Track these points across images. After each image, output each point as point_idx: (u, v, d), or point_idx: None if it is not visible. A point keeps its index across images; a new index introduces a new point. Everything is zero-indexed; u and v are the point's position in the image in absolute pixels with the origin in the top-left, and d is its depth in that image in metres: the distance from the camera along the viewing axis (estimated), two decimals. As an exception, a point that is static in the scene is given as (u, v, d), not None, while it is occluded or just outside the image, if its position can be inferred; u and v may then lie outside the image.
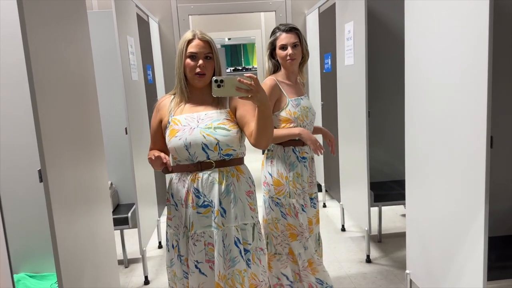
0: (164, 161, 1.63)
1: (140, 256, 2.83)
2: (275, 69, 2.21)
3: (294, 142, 2.15)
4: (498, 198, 2.13)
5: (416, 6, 1.99)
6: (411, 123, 2.13)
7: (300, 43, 2.13)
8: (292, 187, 2.14)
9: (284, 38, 2.12)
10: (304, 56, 2.19)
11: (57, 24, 1.63)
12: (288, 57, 2.11)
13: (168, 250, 1.79)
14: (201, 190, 1.68)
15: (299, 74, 2.24)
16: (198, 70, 1.66)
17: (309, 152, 2.22)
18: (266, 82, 2.10)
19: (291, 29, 2.12)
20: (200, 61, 1.65)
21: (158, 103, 1.79)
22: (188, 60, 1.66)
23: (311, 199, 2.25)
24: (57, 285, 1.48)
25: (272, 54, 2.18)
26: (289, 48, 2.11)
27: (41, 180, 1.39)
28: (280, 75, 2.18)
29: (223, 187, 1.68)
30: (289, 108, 2.11)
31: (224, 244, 1.68)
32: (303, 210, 2.18)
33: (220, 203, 1.67)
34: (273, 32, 2.17)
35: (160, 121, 1.76)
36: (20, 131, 2.15)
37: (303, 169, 2.19)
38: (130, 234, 3.37)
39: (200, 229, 1.69)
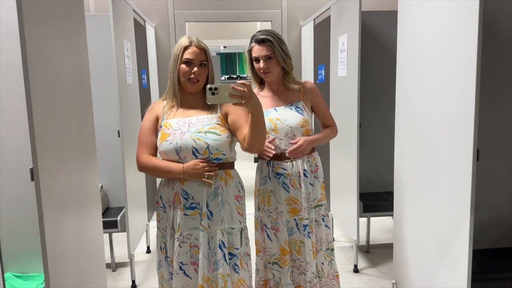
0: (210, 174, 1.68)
1: (128, 260, 2.81)
2: (261, 81, 2.11)
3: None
4: (480, 211, 2.16)
5: (408, 20, 2.04)
6: (401, 136, 2.17)
7: (274, 54, 1.96)
8: (260, 201, 2.10)
9: (256, 50, 1.98)
10: (284, 67, 2.02)
11: (55, 25, 1.65)
12: (261, 70, 1.99)
13: (157, 252, 1.81)
14: (189, 192, 1.69)
15: (285, 83, 2.07)
16: (192, 76, 1.69)
17: (289, 168, 2.02)
18: None
19: (263, 41, 1.95)
20: (195, 68, 1.69)
21: (151, 107, 1.81)
22: (183, 66, 1.69)
23: (304, 226, 2.03)
24: (43, 285, 1.48)
25: (252, 63, 2.05)
26: (261, 61, 1.97)
27: (32, 179, 1.39)
28: (263, 87, 2.11)
29: (211, 189, 1.70)
30: None
31: (209, 247, 1.70)
32: (265, 230, 2.09)
33: (207, 205, 1.69)
34: (250, 41, 2.02)
35: (156, 119, 1.76)
36: (14, 130, 2.15)
37: (277, 186, 2.03)
38: (119, 237, 3.36)
39: (186, 230, 1.70)
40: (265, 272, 2.14)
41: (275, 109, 2.04)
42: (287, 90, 2.08)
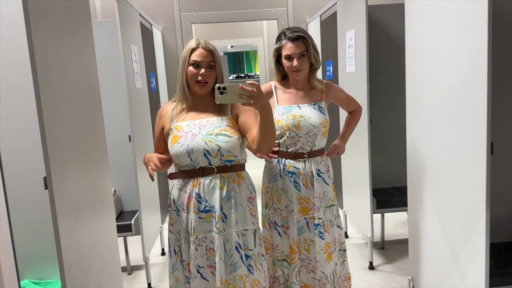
0: (153, 169, 1.68)
1: (143, 263, 2.84)
2: (283, 77, 2.09)
3: (281, 152, 2.03)
4: (498, 205, 2.13)
5: (416, 13, 2.01)
6: (412, 130, 2.14)
7: (307, 51, 1.95)
8: (269, 198, 2.09)
9: (289, 48, 1.94)
10: (313, 65, 2.02)
11: (63, 33, 1.66)
12: (293, 69, 1.96)
13: (171, 256, 1.81)
14: (203, 195, 1.70)
15: (310, 80, 2.06)
16: (199, 78, 1.69)
17: (301, 168, 2.01)
18: (262, 86, 1.98)
19: (298, 38, 1.93)
20: (202, 70, 1.69)
21: (160, 111, 1.83)
22: (191, 68, 1.69)
23: (315, 225, 2.01)
24: (61, 291, 1.50)
25: (278, 60, 2.03)
26: (294, 60, 1.94)
27: (46, 187, 1.41)
28: (285, 82, 2.09)
29: (224, 192, 1.70)
30: (274, 115, 1.97)
31: (225, 249, 1.70)
32: (275, 228, 2.07)
33: (221, 208, 1.69)
34: (279, 38, 1.99)
35: (162, 129, 1.79)
36: (26, 139, 2.18)
37: (288, 185, 2.01)
38: (133, 241, 3.38)
39: (201, 234, 1.70)
40: (273, 270, 2.13)
41: (298, 106, 2.02)
42: (311, 88, 2.07)
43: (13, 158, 2.18)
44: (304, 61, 1.96)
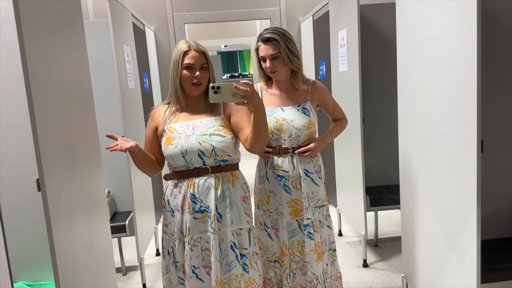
0: (121, 146, 1.68)
1: (138, 264, 2.84)
2: (268, 78, 2.08)
3: (268, 154, 2.01)
4: (488, 202, 2.15)
5: (407, 12, 2.03)
6: (404, 128, 2.16)
7: (280, 53, 1.92)
8: (259, 200, 2.09)
9: (262, 49, 1.95)
10: (291, 67, 1.97)
11: (54, 34, 1.65)
12: (267, 70, 1.97)
13: (164, 257, 1.81)
14: (198, 196, 1.70)
15: (293, 83, 2.03)
16: (195, 80, 1.69)
17: (290, 170, 1.99)
18: None
19: (269, 39, 1.92)
20: (197, 73, 1.69)
21: (153, 112, 1.83)
22: (185, 71, 1.69)
23: (305, 226, 2.00)
24: (55, 293, 1.49)
25: (260, 62, 2.02)
26: (267, 61, 1.94)
27: (39, 190, 1.41)
28: (270, 82, 2.08)
29: (219, 192, 1.71)
30: None
31: (220, 249, 1.70)
32: (265, 229, 2.08)
33: (216, 208, 1.70)
34: (257, 39, 1.99)
35: (155, 129, 1.79)
36: (18, 141, 2.17)
37: (278, 188, 2.00)
38: (128, 242, 3.38)
39: (196, 234, 1.71)
40: (264, 270, 2.12)
41: (282, 108, 2.01)
42: (295, 90, 2.05)
43: (6, 160, 2.17)
44: (277, 63, 1.94)
